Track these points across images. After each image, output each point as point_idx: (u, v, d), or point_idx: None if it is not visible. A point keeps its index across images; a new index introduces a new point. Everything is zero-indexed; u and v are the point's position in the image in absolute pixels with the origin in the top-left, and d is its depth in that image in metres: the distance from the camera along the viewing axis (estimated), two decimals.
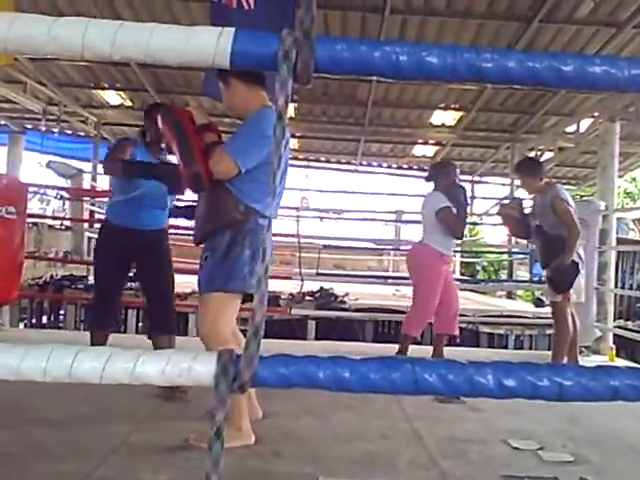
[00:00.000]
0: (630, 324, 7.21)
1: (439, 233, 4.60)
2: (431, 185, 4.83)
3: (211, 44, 0.87)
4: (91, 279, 7.75)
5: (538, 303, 7.94)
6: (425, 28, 7.64)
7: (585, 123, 9.46)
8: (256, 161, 2.53)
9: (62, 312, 7.50)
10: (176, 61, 0.89)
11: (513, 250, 10.79)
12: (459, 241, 5.57)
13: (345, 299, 7.10)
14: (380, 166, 14.11)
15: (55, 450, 2.34)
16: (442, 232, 4.59)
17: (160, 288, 3.52)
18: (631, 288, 7.64)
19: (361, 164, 13.81)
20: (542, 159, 10.82)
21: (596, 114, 8.55)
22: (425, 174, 5.18)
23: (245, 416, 2.56)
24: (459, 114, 10.57)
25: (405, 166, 13.95)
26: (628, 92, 0.95)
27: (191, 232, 3.18)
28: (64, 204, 11.40)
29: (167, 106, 2.85)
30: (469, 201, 5.02)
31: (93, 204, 10.26)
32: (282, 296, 6.84)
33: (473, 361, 0.86)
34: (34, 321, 7.43)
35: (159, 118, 2.67)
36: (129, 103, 11.24)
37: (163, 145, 3.46)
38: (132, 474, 2.14)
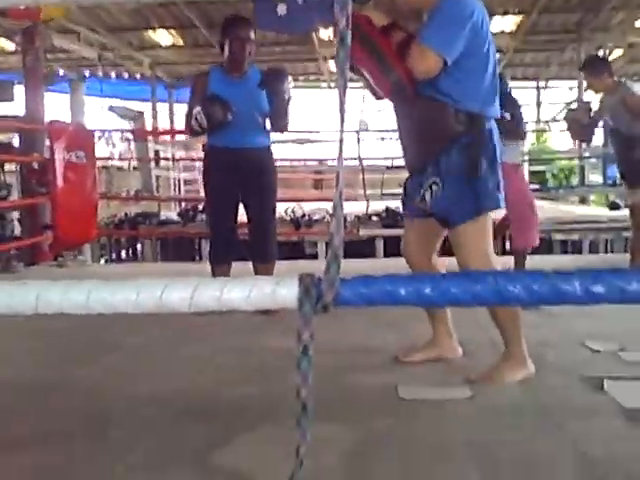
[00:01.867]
0: None
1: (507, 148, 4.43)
2: None
3: None
4: (163, 215, 8.04)
5: (614, 205, 7.68)
6: None
7: None
8: (460, 50, 2.16)
9: (139, 247, 7.87)
10: None
11: (584, 155, 10.38)
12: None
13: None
14: None
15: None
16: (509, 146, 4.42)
17: (262, 216, 3.48)
18: None
19: None
20: (611, 57, 10.25)
21: None
22: None
23: (522, 344, 2.35)
24: (519, 18, 10.03)
25: None
26: None
27: None
28: (129, 145, 11.67)
29: None
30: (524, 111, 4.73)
31: (157, 142, 10.47)
32: (348, 218, 6.91)
33: (558, 270, 0.85)
34: (114, 257, 7.85)
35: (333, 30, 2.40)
36: (180, 42, 11.21)
37: (247, 58, 3.37)
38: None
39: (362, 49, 2.13)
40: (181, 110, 13.87)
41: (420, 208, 2.36)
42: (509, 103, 4.39)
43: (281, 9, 5.96)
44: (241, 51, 3.35)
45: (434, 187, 2.26)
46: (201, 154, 11.48)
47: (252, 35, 3.40)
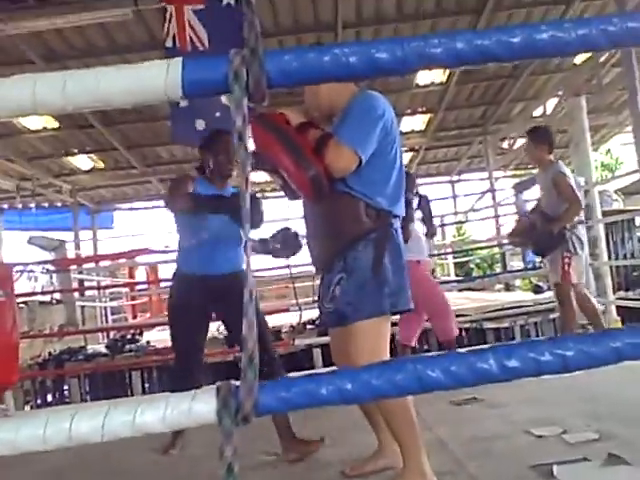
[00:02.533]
0: (631, 294, 7.20)
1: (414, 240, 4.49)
2: None
3: (160, 78, 0.86)
4: (90, 348, 7.69)
5: (537, 289, 7.91)
6: (380, 36, 7.74)
7: (551, 104, 9.57)
8: (373, 148, 2.18)
9: (66, 387, 7.41)
10: (128, 100, 0.88)
11: (503, 242, 10.81)
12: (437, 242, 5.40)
13: None
14: None
15: None
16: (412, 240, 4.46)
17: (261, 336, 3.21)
18: (625, 258, 7.64)
19: None
20: (515, 146, 10.95)
21: (560, 92, 8.65)
22: None
23: (420, 452, 2.16)
24: (427, 117, 10.67)
25: None
26: (578, 53, 0.94)
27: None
28: (52, 277, 11.33)
29: (260, 114, 2.35)
30: (432, 210, 4.84)
31: (81, 272, 10.21)
32: (283, 329, 6.80)
33: (473, 349, 0.84)
34: (39, 401, 7.32)
35: (251, 128, 2.19)
36: (101, 165, 11.28)
37: (230, 171, 3.19)
38: None
39: (279, 145, 2.12)
40: (105, 235, 13.77)
41: (332, 315, 2.27)
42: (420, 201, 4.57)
43: (199, 124, 6.14)
44: (229, 164, 3.18)
45: (342, 282, 2.21)
46: (123, 280, 11.11)
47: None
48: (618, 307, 6.03)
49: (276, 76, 0.88)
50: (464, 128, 11.34)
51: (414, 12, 7.35)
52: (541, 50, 0.87)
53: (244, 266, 3.15)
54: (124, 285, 11.25)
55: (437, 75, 8.85)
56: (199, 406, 0.82)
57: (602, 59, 8.11)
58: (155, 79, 0.87)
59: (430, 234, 4.75)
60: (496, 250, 11.96)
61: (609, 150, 16.76)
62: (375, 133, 2.18)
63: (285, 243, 2.99)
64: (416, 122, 10.92)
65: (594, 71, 8.19)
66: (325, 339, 6.53)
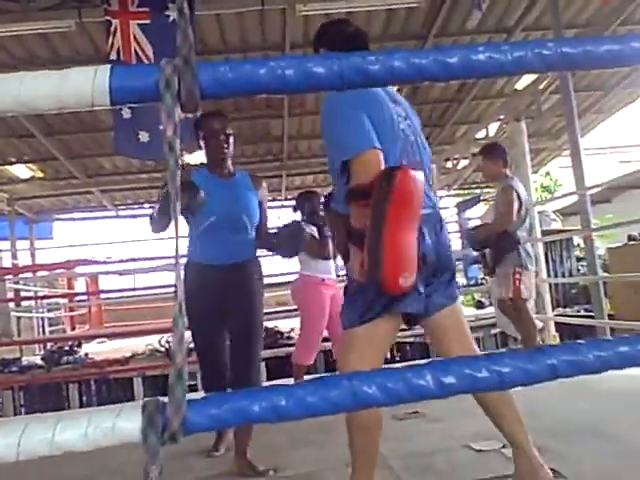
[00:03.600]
0: (569, 310, 7.42)
1: (309, 260, 4.57)
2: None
3: (87, 84, 0.84)
4: (25, 360, 7.43)
5: (479, 305, 8.07)
6: None
7: (493, 127, 9.83)
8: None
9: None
10: (53, 106, 0.85)
11: None
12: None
13: (291, 334, 7.04)
14: None
15: None
16: (311, 257, 4.56)
17: (248, 339, 3.02)
18: (563, 276, 7.88)
19: (287, 198, 13.85)
20: (459, 167, 11.18)
21: (501, 116, 8.90)
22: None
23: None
24: None
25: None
26: (514, 75, 0.96)
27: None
28: None
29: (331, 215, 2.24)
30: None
31: (17, 282, 9.87)
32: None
33: (409, 365, 0.84)
34: None
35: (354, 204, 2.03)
36: (40, 174, 10.96)
37: None
38: None
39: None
40: (43, 245, 13.36)
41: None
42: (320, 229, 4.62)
43: (143, 136, 6.05)
44: (220, 147, 3.05)
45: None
46: (62, 290, 10.81)
47: (229, 129, 3.10)
48: (556, 323, 6.20)
49: (209, 86, 0.86)
50: None
51: None
52: (478, 70, 0.88)
53: (252, 257, 3.09)
54: (62, 296, 10.94)
55: None
56: (123, 423, 0.79)
57: (542, 86, 8.39)
58: (82, 85, 0.84)
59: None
60: None
61: (548, 172, 17.32)
62: (364, 121, 2.02)
63: (290, 240, 2.96)
64: None
65: (534, 97, 8.46)
66: (269, 352, 6.50)
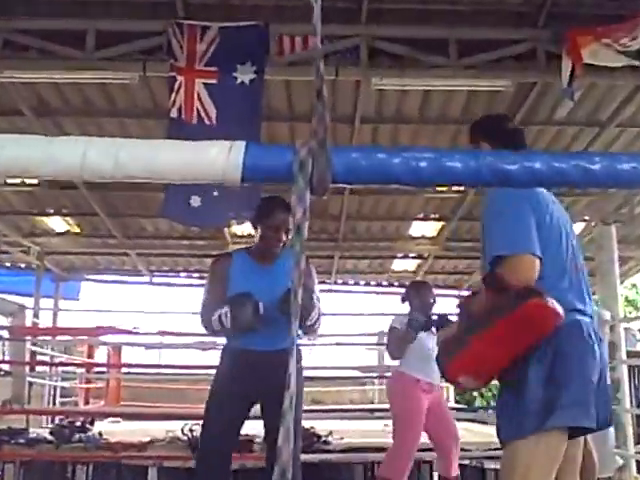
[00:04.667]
0: None
1: (409, 356, 4.53)
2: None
3: (221, 158, 0.92)
4: (33, 431, 7.45)
5: None
6: (398, 136, 8.02)
7: (577, 227, 9.81)
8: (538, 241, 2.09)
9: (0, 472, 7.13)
10: (184, 176, 0.93)
11: None
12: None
13: (329, 439, 6.90)
14: (357, 284, 14.26)
15: None
16: (414, 355, 4.50)
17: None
18: None
19: (336, 282, 13.93)
20: None
21: (586, 217, 8.88)
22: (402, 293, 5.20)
23: None
24: (440, 224, 10.89)
25: (385, 283, 14.12)
26: None
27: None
28: (3, 345, 11.15)
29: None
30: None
31: (35, 344, 10.05)
32: (256, 439, 6.58)
33: None
34: None
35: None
36: (76, 229, 11.33)
37: None
38: None
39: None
40: (67, 306, 13.66)
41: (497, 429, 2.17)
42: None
43: (194, 201, 6.27)
44: (277, 241, 3.30)
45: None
46: (80, 359, 10.88)
47: (290, 223, 3.34)
48: (638, 462, 5.93)
49: (342, 172, 0.93)
50: (479, 241, 11.52)
51: (437, 116, 7.66)
52: (622, 180, 0.93)
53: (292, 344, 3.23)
54: (80, 365, 11.06)
55: None
56: None
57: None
58: (215, 159, 0.93)
59: None
60: None
61: (635, 285, 16.97)
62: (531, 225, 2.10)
63: (235, 316, 3.07)
64: (427, 228, 11.14)
65: (626, 199, 8.45)
66: (303, 457, 6.37)
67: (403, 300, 4.96)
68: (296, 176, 0.92)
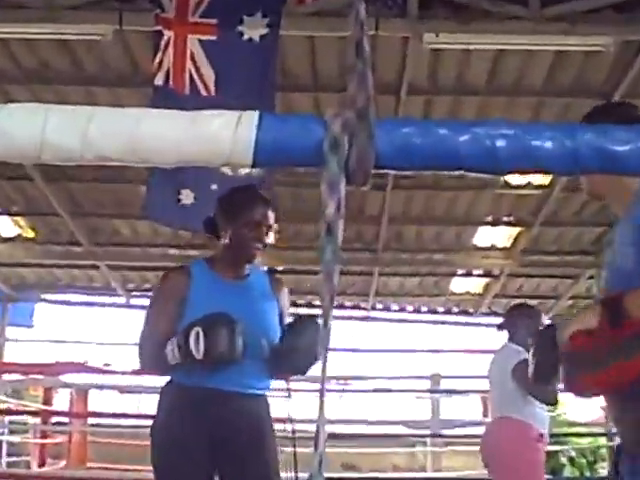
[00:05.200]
0: None
1: (527, 401, 4.65)
2: (504, 336, 5.02)
3: (226, 133, 0.90)
4: None
5: None
6: (459, 109, 7.97)
7: None
8: None
9: None
10: (175, 159, 0.92)
11: (614, 430, 10.58)
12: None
13: None
14: (403, 310, 14.23)
15: None
16: (531, 400, 4.64)
17: None
18: None
19: (374, 308, 13.92)
20: None
21: None
22: (499, 321, 5.34)
23: None
24: (516, 230, 10.80)
25: (440, 309, 14.07)
26: None
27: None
28: None
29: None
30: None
31: None
32: None
33: None
34: None
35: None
36: (29, 233, 11.40)
37: None
38: None
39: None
40: (16, 335, 13.77)
41: None
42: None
43: (186, 196, 6.28)
44: (256, 242, 3.29)
45: None
46: (34, 405, 10.97)
47: (271, 218, 3.38)
48: None
49: (389, 152, 0.92)
50: (569, 254, 11.43)
51: (512, 85, 7.62)
52: None
53: (268, 386, 3.41)
54: (34, 413, 11.12)
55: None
56: None
57: None
58: (218, 134, 0.91)
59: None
60: (602, 441, 11.70)
61: None
62: None
63: (210, 344, 3.01)
64: (498, 235, 11.04)
65: None
66: None
67: (501, 327, 5.10)
68: (327, 157, 0.90)
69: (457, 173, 0.98)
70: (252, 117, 0.92)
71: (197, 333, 2.96)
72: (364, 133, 0.90)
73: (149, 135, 0.90)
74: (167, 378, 3.34)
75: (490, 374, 4.98)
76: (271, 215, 3.34)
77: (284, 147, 0.92)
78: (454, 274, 12.58)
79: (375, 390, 11.10)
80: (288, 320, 3.41)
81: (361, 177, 0.91)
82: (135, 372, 9.53)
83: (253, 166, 0.93)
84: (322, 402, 0.94)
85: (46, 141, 0.88)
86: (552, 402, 4.87)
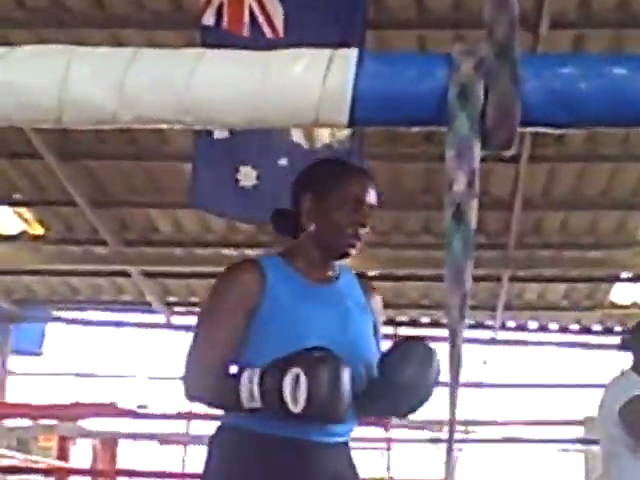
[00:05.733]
0: None
1: (632, 455, 4.54)
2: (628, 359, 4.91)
3: (313, 79, 0.89)
4: None
5: None
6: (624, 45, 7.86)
7: None
8: None
9: None
10: (244, 117, 0.91)
11: None
12: None
13: None
14: (544, 329, 14.11)
15: None
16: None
17: None
18: None
19: (504, 326, 13.83)
20: None
21: None
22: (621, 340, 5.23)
23: None
24: None
25: (597, 327, 13.91)
26: None
27: None
28: None
29: None
30: None
31: None
32: None
33: None
34: None
35: None
36: (38, 229, 11.57)
37: None
38: None
39: None
40: (22, 366, 14.02)
41: None
42: None
43: (246, 176, 6.35)
44: (355, 229, 3.15)
45: None
46: (45, 460, 11.19)
47: (374, 195, 3.29)
48: None
49: (542, 103, 0.89)
50: None
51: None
52: None
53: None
54: (46, 471, 11.33)
55: None
56: None
57: None
58: (300, 80, 0.90)
59: None
60: None
61: None
62: None
63: (314, 395, 2.97)
64: None
65: None
66: None
67: (625, 347, 5.02)
68: (455, 111, 0.89)
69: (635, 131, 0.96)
70: (348, 57, 0.91)
71: (296, 377, 2.81)
72: (506, 76, 0.88)
73: (207, 85, 0.90)
74: (218, 420, 3.34)
75: (600, 415, 4.85)
76: (373, 193, 3.22)
77: (393, 98, 0.90)
78: (616, 278, 12.41)
79: (507, 440, 11.06)
80: (383, 341, 3.37)
81: (503, 138, 0.89)
82: (181, 416, 9.67)
83: (350, 125, 0.91)
84: (450, 459, 0.93)
85: (68, 95, 0.88)
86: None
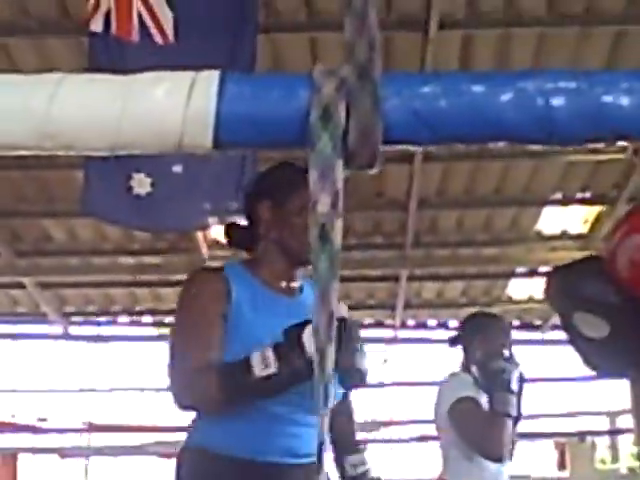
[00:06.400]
0: None
1: (464, 457, 4.60)
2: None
3: (175, 105, 0.89)
4: None
5: None
6: (509, 47, 7.97)
7: None
8: None
9: None
10: (106, 143, 0.91)
11: None
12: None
13: None
14: (443, 325, 14.22)
15: None
16: (469, 454, 4.57)
17: None
18: None
19: (404, 325, 13.90)
20: None
21: None
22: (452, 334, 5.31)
23: None
24: (594, 210, 10.80)
25: None
26: None
27: None
28: None
29: None
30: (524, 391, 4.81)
31: None
32: None
33: None
34: None
35: None
36: None
37: None
38: None
39: None
40: None
41: None
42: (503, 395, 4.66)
43: (140, 184, 6.31)
44: (303, 245, 3.01)
45: None
46: None
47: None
48: None
49: (402, 122, 0.90)
50: None
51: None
52: None
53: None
54: None
55: None
56: None
57: None
58: (164, 107, 0.90)
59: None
60: None
61: None
62: None
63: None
64: (571, 217, 11.06)
65: None
66: None
67: (454, 342, 5.05)
68: (317, 132, 0.89)
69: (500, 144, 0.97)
70: (210, 79, 0.91)
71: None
72: (367, 96, 0.89)
73: (67, 111, 0.89)
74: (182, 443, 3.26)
75: (435, 416, 4.85)
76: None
77: (257, 120, 0.91)
78: (512, 274, 12.57)
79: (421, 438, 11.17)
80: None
81: (365, 158, 0.90)
82: (83, 429, 9.61)
83: (215, 148, 0.91)
84: None
85: None
86: (498, 459, 4.56)
